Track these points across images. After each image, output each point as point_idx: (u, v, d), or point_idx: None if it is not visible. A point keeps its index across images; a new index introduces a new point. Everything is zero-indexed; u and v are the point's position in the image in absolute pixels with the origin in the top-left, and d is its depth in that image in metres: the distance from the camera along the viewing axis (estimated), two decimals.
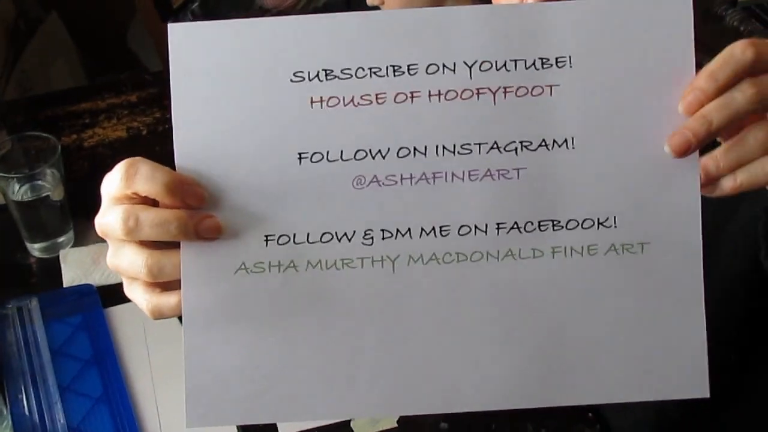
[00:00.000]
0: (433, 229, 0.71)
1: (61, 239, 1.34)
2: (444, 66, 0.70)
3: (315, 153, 0.70)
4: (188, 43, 0.70)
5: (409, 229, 0.71)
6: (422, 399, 0.73)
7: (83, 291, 1.26)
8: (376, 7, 1.19)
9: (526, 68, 0.70)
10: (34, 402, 1.11)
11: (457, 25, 0.70)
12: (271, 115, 0.70)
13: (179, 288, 0.71)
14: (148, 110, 1.60)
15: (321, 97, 0.70)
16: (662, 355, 0.72)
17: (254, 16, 1.88)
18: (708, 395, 0.72)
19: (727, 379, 0.73)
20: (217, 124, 0.70)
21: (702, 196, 0.70)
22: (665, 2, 0.69)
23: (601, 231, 0.71)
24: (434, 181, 0.71)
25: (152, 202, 0.70)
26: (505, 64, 0.70)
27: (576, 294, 0.72)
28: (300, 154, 0.70)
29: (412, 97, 0.70)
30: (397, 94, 0.70)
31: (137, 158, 0.70)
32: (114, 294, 1.25)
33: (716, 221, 0.69)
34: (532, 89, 0.70)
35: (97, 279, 1.28)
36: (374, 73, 0.70)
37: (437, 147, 0.70)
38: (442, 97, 0.70)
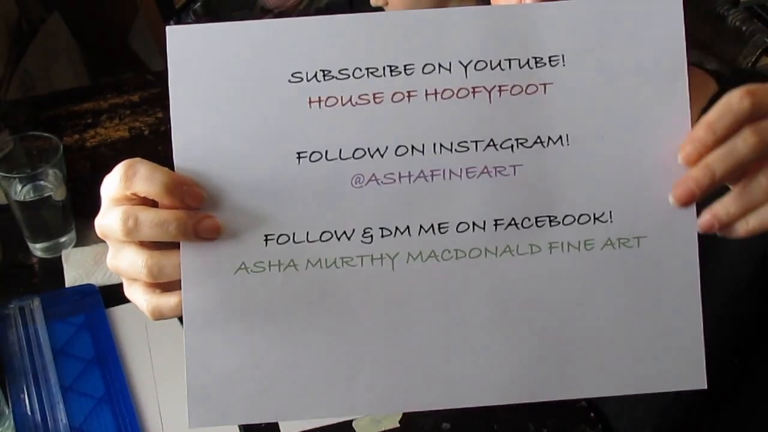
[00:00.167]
0: (432, 226, 0.72)
1: (63, 239, 1.34)
2: (440, 65, 0.70)
3: (314, 152, 0.71)
4: (186, 46, 0.71)
5: (408, 227, 0.72)
6: (423, 395, 0.74)
7: (85, 291, 1.26)
8: (379, 8, 1.19)
9: (521, 67, 0.70)
10: (36, 402, 1.11)
11: (452, 26, 0.70)
12: (270, 115, 0.71)
13: (179, 288, 0.71)
14: (150, 110, 1.60)
15: (319, 97, 0.70)
16: (659, 347, 0.73)
17: (256, 16, 1.89)
18: (705, 386, 0.72)
19: (729, 379, 0.74)
20: (215, 125, 0.71)
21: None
22: (656, 0, 0.70)
23: (597, 225, 0.71)
24: (432, 179, 0.71)
25: (152, 204, 0.71)
26: (499, 64, 0.70)
27: (573, 288, 0.72)
28: (299, 153, 0.71)
29: (409, 96, 0.70)
30: (394, 93, 0.70)
31: (136, 159, 0.70)
32: (116, 294, 1.24)
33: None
34: (527, 88, 0.70)
35: (99, 279, 1.28)
36: (371, 73, 0.70)
37: (435, 145, 0.71)
38: (438, 96, 0.71)
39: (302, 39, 0.70)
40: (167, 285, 0.72)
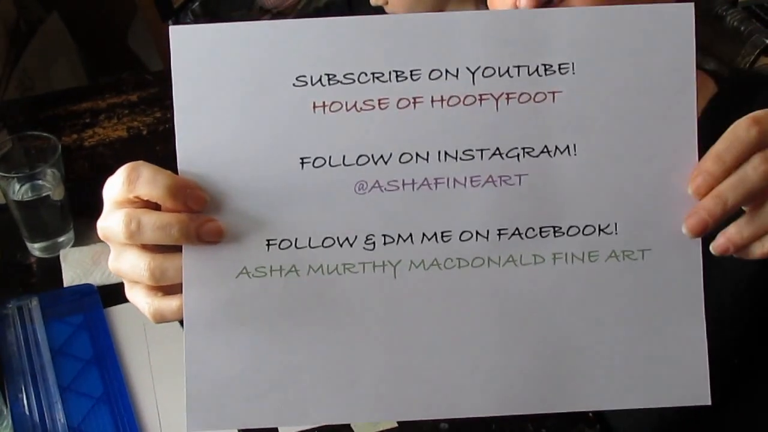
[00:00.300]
0: (435, 234, 0.71)
1: (61, 239, 1.34)
2: (447, 72, 0.70)
3: (317, 158, 0.70)
4: (190, 46, 0.70)
5: (410, 235, 0.71)
6: (423, 404, 0.73)
7: (83, 291, 1.26)
8: (380, 7, 1.19)
9: (529, 74, 0.70)
10: (34, 402, 1.11)
11: (460, 31, 0.70)
12: (274, 119, 0.70)
13: (180, 292, 0.71)
14: (148, 110, 1.60)
15: (323, 102, 0.70)
16: (663, 361, 0.72)
17: (255, 16, 1.89)
18: (709, 402, 0.72)
19: (729, 381, 0.73)
20: (219, 128, 0.70)
21: None
22: (668, 11, 0.69)
23: (602, 237, 0.71)
24: (436, 186, 0.71)
25: (154, 207, 0.70)
26: (508, 70, 0.70)
27: (577, 300, 0.72)
28: (302, 158, 0.70)
29: (414, 102, 0.70)
30: (400, 99, 0.70)
31: (139, 162, 0.70)
32: (114, 294, 1.25)
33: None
34: (535, 95, 0.70)
35: (97, 279, 1.28)
36: (377, 78, 0.70)
37: (439, 153, 0.70)
38: (444, 102, 0.70)
39: (308, 41, 0.70)
40: (169, 288, 0.72)
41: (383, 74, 0.70)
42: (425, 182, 0.71)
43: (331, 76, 0.70)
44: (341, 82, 0.70)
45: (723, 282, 0.72)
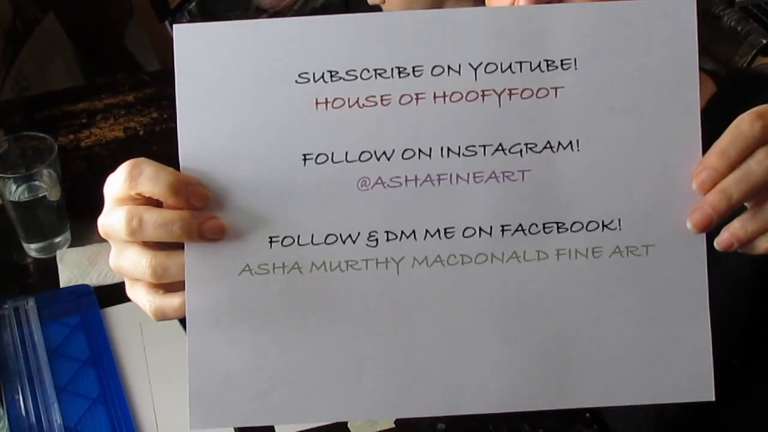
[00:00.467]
0: (438, 231, 0.71)
1: (57, 239, 1.33)
2: (449, 68, 0.70)
3: (320, 154, 0.70)
4: (194, 44, 0.70)
5: (413, 231, 0.71)
6: (426, 401, 0.73)
7: (80, 291, 1.26)
8: (377, 6, 1.19)
9: (531, 70, 0.70)
10: (30, 402, 1.11)
11: (462, 27, 0.70)
12: (276, 116, 0.70)
13: (182, 289, 0.71)
14: (145, 110, 1.60)
15: (326, 99, 0.70)
16: (667, 357, 0.72)
17: (251, 16, 1.89)
18: (713, 398, 0.72)
19: (728, 381, 0.73)
20: (221, 125, 0.70)
21: None
22: (669, 5, 0.69)
23: (605, 233, 0.71)
24: (439, 182, 0.71)
25: (155, 204, 0.70)
26: (510, 66, 0.70)
27: (580, 296, 0.72)
28: (305, 155, 0.70)
29: (416, 98, 0.70)
30: (402, 95, 0.70)
31: (141, 159, 0.70)
32: (111, 294, 1.25)
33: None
34: (537, 91, 0.70)
35: (94, 279, 1.28)
36: (379, 74, 0.70)
37: (442, 149, 0.70)
38: (447, 98, 0.70)
39: (310, 39, 0.70)
40: (170, 285, 0.72)
41: (385, 71, 0.70)
42: (428, 178, 0.71)
43: (333, 73, 0.70)
44: (344, 79, 0.70)
45: (721, 282, 0.72)
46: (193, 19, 1.87)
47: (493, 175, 0.70)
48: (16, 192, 1.28)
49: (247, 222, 0.71)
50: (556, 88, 0.70)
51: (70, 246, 1.34)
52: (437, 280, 0.72)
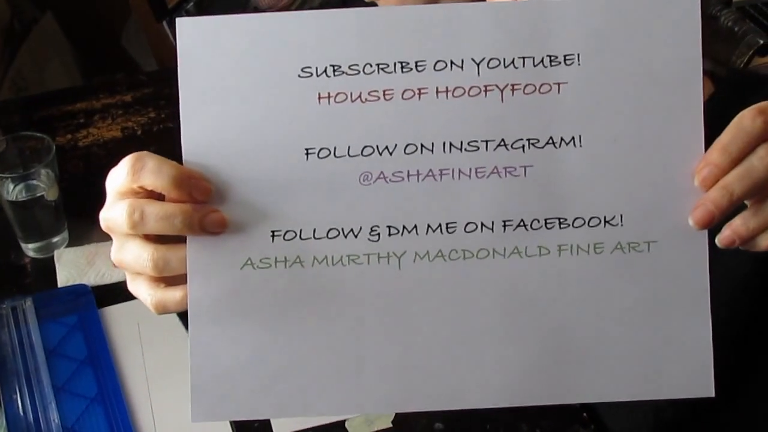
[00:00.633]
0: (440, 225, 0.71)
1: (55, 239, 1.33)
2: (452, 63, 0.70)
3: (322, 149, 0.70)
4: (196, 38, 0.70)
5: (415, 226, 0.71)
6: (427, 395, 0.73)
7: (78, 291, 1.26)
8: (372, 3, 1.19)
9: (534, 65, 0.70)
10: (28, 402, 1.11)
11: (465, 22, 0.70)
12: (279, 110, 0.70)
13: (184, 283, 0.71)
14: (142, 110, 1.60)
15: (328, 93, 0.70)
16: (667, 354, 0.72)
17: None
18: (713, 395, 0.72)
19: (727, 380, 0.73)
20: (224, 119, 0.70)
21: None
22: (673, 2, 0.69)
23: (607, 229, 0.71)
24: (441, 177, 0.71)
25: (158, 198, 0.70)
26: (513, 62, 0.70)
27: (581, 292, 0.72)
28: (307, 149, 0.70)
29: (419, 93, 0.70)
30: (405, 90, 0.70)
31: (143, 152, 0.70)
32: (108, 294, 1.25)
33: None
34: (540, 87, 0.70)
35: (91, 279, 1.27)
36: (382, 69, 0.70)
37: (444, 144, 0.70)
38: (449, 93, 0.70)
39: (313, 33, 0.70)
40: (171, 279, 0.72)
41: (388, 65, 0.70)
42: (430, 173, 0.71)
43: (336, 68, 0.70)
44: (346, 74, 0.70)
45: (719, 281, 0.72)
46: None
47: (495, 171, 0.71)
48: (13, 192, 1.28)
49: (249, 216, 0.71)
50: (558, 84, 0.70)
51: (68, 246, 1.34)
52: (439, 275, 0.72)
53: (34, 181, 1.29)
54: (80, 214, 1.34)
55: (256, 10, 1.89)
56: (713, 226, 0.70)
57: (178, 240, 0.71)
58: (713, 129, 0.69)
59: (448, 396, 0.73)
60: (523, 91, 0.70)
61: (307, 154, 0.70)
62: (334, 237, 0.71)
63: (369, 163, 0.70)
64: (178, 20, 0.70)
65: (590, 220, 0.71)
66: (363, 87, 0.70)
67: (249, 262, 0.71)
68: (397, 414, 1.09)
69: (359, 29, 0.70)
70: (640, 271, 0.71)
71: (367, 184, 0.71)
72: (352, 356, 0.72)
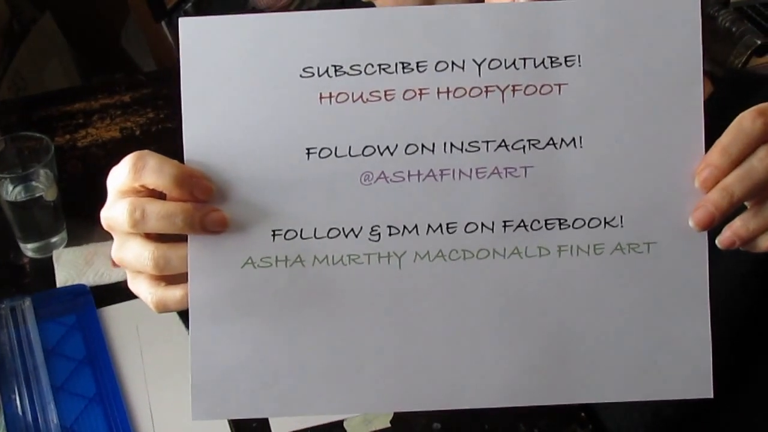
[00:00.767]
0: (440, 226, 0.71)
1: (54, 239, 1.33)
2: (453, 63, 0.70)
3: (323, 148, 0.71)
4: (199, 37, 0.70)
5: (416, 226, 0.71)
6: (427, 395, 0.73)
7: (76, 291, 1.26)
8: (370, 3, 1.19)
9: (535, 66, 0.70)
10: (27, 402, 1.11)
11: (466, 23, 0.70)
12: (280, 109, 0.70)
13: (184, 282, 0.71)
14: (141, 110, 1.60)
15: (330, 93, 0.70)
16: (667, 355, 0.72)
17: None
18: (711, 396, 0.72)
19: (725, 380, 0.74)
20: (226, 118, 0.70)
21: None
22: (674, 3, 0.69)
23: (607, 230, 0.71)
24: (442, 178, 0.71)
25: (158, 197, 0.70)
26: (514, 62, 0.70)
27: (582, 293, 0.72)
28: (308, 149, 0.71)
29: (420, 94, 0.70)
30: (406, 90, 0.70)
31: (145, 151, 0.70)
32: (107, 294, 1.25)
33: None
34: (541, 88, 0.70)
35: (90, 279, 1.27)
36: (383, 69, 0.70)
37: (445, 144, 0.71)
38: (450, 94, 0.70)
39: (315, 33, 0.70)
40: (172, 278, 0.72)
41: (389, 66, 0.70)
42: (431, 173, 0.71)
43: (337, 68, 0.70)
44: (348, 74, 0.70)
45: (717, 281, 0.72)
46: None
47: (495, 171, 0.71)
48: (12, 192, 1.28)
49: (250, 215, 0.71)
50: (559, 85, 0.70)
51: (67, 246, 1.34)
52: (439, 275, 0.72)
53: (33, 182, 1.29)
54: (79, 215, 1.34)
55: (255, 10, 1.89)
56: (712, 228, 0.70)
57: (179, 239, 0.71)
58: (712, 129, 0.69)
59: (447, 396, 0.73)
60: (524, 91, 0.70)
61: (308, 153, 0.71)
62: (335, 236, 0.71)
63: (370, 163, 0.71)
64: (180, 20, 0.70)
65: (590, 220, 0.71)
66: (364, 87, 0.70)
67: (250, 261, 0.71)
68: (395, 414, 1.09)
69: (361, 30, 0.70)
70: (639, 272, 0.72)
71: (367, 183, 0.71)
72: (352, 356, 0.73)
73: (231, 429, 1.08)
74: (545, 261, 0.72)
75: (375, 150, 0.70)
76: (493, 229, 0.71)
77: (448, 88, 0.70)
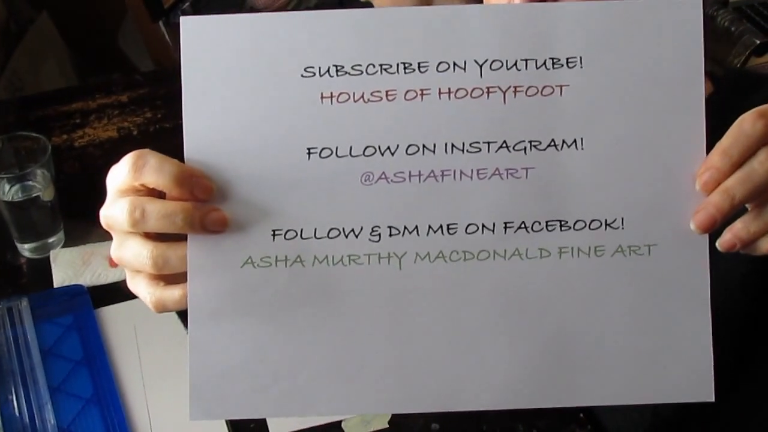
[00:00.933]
0: (441, 226, 0.71)
1: (51, 239, 1.33)
2: (455, 64, 0.70)
3: (324, 148, 0.70)
4: (200, 36, 0.70)
5: (416, 227, 0.71)
6: (427, 397, 0.73)
7: (74, 291, 1.25)
8: (368, 3, 1.19)
9: (537, 68, 0.70)
10: (24, 403, 1.10)
11: (468, 24, 0.70)
12: (281, 109, 0.70)
13: (183, 281, 0.71)
14: (138, 110, 1.60)
15: (331, 93, 0.70)
16: (667, 357, 0.72)
17: None
18: (713, 399, 0.72)
19: (725, 381, 0.73)
20: (227, 118, 0.70)
21: None
22: (675, 5, 0.69)
23: (608, 232, 0.71)
24: (442, 179, 0.71)
25: (158, 196, 0.70)
26: (515, 64, 0.70)
27: (582, 295, 0.72)
28: (309, 149, 0.70)
29: (422, 94, 0.70)
30: (407, 91, 0.70)
31: (145, 150, 0.70)
32: (104, 295, 1.25)
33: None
34: (543, 89, 0.70)
35: (87, 279, 1.27)
36: (385, 69, 0.70)
37: (446, 145, 0.70)
38: (452, 95, 0.70)
39: (316, 33, 0.70)
40: (171, 277, 0.72)
41: (391, 66, 0.70)
42: (432, 174, 0.71)
43: (339, 68, 0.70)
44: (349, 74, 0.70)
45: (716, 282, 0.72)
46: None
47: (496, 172, 0.71)
48: (9, 192, 1.28)
49: (251, 215, 0.71)
50: (561, 86, 0.70)
51: (64, 246, 1.34)
52: (439, 276, 0.72)
53: (30, 182, 1.28)
54: (76, 215, 1.34)
55: (252, 10, 1.89)
56: (713, 231, 0.70)
57: (178, 238, 0.71)
58: (713, 129, 0.69)
59: (447, 397, 0.73)
60: (526, 93, 0.70)
61: (309, 153, 0.70)
62: (335, 237, 0.71)
63: (370, 164, 0.71)
64: (182, 19, 0.70)
65: (591, 222, 0.71)
66: (365, 87, 0.70)
67: (250, 260, 0.71)
68: (393, 414, 1.09)
69: (362, 30, 0.70)
70: (640, 274, 0.71)
71: (368, 184, 0.71)
72: (351, 356, 0.72)
73: (228, 429, 1.07)
74: (546, 262, 0.72)
75: (376, 150, 0.70)
76: (493, 230, 0.71)
77: (449, 89, 0.70)
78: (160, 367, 1.16)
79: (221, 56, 0.70)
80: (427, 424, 1.08)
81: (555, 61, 0.70)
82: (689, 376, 0.72)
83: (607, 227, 0.71)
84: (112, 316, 1.23)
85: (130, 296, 0.74)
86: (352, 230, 0.71)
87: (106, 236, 0.73)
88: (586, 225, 0.71)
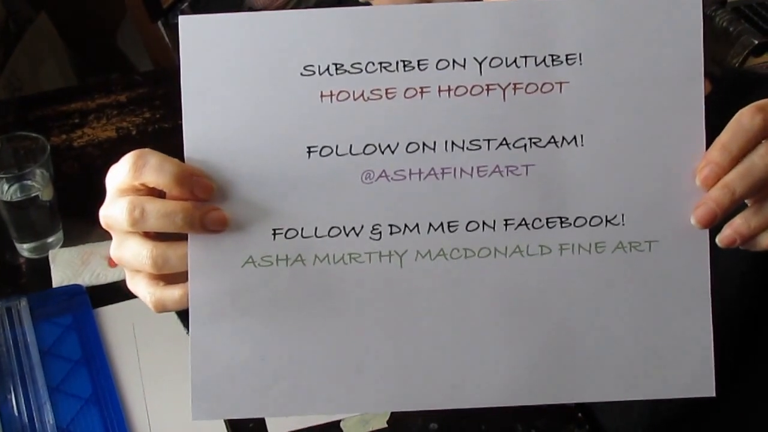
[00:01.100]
0: (441, 224, 0.71)
1: (50, 239, 1.33)
2: (454, 62, 0.70)
3: (324, 147, 0.70)
4: (199, 35, 0.70)
5: (417, 224, 0.71)
6: (428, 394, 0.73)
7: (72, 291, 1.25)
8: (367, 3, 1.19)
9: (537, 65, 0.70)
10: (23, 403, 1.10)
11: (467, 21, 0.70)
12: (281, 108, 0.70)
13: (183, 281, 0.71)
14: (137, 110, 1.60)
15: (331, 91, 0.70)
16: (669, 353, 0.72)
17: None
18: (714, 394, 0.72)
19: (724, 379, 0.74)
20: (226, 117, 0.70)
21: None
22: (675, 1, 0.69)
23: (609, 228, 0.71)
24: (443, 176, 0.71)
25: (158, 196, 0.70)
26: (515, 61, 0.70)
27: (583, 291, 0.72)
28: (309, 147, 0.70)
29: (421, 92, 0.70)
30: (407, 89, 0.70)
31: (145, 149, 0.70)
32: (103, 294, 1.25)
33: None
34: (542, 86, 0.70)
35: (86, 279, 1.27)
36: (384, 67, 0.70)
37: (446, 142, 0.70)
38: (451, 92, 0.70)
39: (315, 31, 0.70)
40: (171, 277, 0.72)
41: (390, 64, 0.70)
42: (432, 172, 0.71)
43: (338, 66, 0.70)
44: (348, 72, 0.70)
45: (717, 278, 0.72)
46: None
47: (496, 170, 0.71)
48: (8, 192, 1.28)
49: (251, 214, 0.71)
50: (560, 83, 0.70)
51: (63, 246, 1.34)
52: (440, 274, 0.72)
53: (29, 182, 1.28)
54: (75, 215, 1.34)
55: (251, 9, 1.89)
56: (713, 227, 0.70)
57: (178, 238, 0.71)
58: (712, 129, 0.69)
59: (448, 395, 0.73)
60: (525, 90, 0.70)
61: (309, 152, 0.70)
62: (336, 235, 0.71)
63: (371, 162, 0.71)
64: (181, 18, 0.70)
65: (592, 219, 0.71)
66: (365, 85, 0.70)
67: (250, 260, 0.71)
68: (392, 414, 1.09)
69: (362, 28, 0.70)
70: (641, 270, 0.71)
71: (368, 182, 0.71)
72: (352, 355, 0.73)
73: (227, 429, 1.08)
74: (546, 260, 0.72)
75: (376, 148, 0.70)
76: (494, 228, 0.71)
77: (449, 87, 0.70)
78: (159, 367, 1.16)
79: (220, 55, 0.70)
80: (426, 424, 1.09)
81: (555, 58, 0.70)
82: (690, 371, 0.72)
83: (608, 224, 0.71)
84: (111, 315, 1.23)
85: (130, 296, 0.74)
86: (353, 229, 0.71)
87: (106, 236, 0.73)
88: (586, 222, 0.71)
